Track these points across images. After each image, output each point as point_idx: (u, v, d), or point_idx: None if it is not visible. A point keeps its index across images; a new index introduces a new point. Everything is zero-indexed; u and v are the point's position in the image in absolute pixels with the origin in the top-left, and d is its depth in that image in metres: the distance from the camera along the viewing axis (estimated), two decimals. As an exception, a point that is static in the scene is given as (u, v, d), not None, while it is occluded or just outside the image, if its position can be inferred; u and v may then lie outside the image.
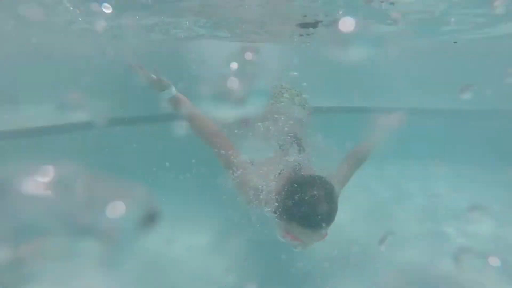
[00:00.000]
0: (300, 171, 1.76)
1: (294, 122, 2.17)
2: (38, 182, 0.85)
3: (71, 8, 2.74)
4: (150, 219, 1.58)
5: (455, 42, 4.62)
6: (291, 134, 2.10)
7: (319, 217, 1.49)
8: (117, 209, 0.95)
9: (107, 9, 2.47)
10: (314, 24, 3.01)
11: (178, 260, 2.77)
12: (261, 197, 1.75)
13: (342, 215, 1.61)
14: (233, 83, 1.71)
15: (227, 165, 1.81)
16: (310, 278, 2.42)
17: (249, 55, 1.85)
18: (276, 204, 1.61)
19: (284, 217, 1.56)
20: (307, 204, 1.48)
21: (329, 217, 1.53)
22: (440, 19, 3.43)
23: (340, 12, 2.54)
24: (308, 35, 3.79)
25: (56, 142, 4.80)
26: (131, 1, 2.56)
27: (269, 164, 1.87)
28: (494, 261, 2.73)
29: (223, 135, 1.85)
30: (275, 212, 1.63)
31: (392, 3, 2.55)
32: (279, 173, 1.79)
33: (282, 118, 2.12)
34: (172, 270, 2.64)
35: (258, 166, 1.87)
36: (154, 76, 1.84)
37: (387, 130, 2.16)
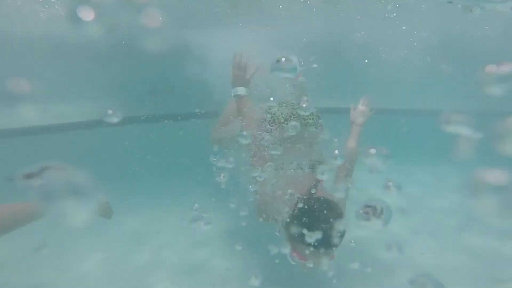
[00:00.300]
0: (313, 194, 1.79)
1: (309, 146, 2.15)
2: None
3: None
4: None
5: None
6: (307, 159, 2.08)
7: (329, 240, 1.53)
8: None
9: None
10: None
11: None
12: (274, 215, 1.81)
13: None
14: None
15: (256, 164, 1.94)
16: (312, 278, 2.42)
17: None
18: (288, 222, 1.65)
19: (296, 236, 1.58)
20: (318, 227, 1.52)
21: (338, 240, 1.57)
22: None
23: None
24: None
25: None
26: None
27: (287, 183, 1.89)
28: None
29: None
30: (286, 230, 1.67)
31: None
32: (293, 194, 1.81)
33: (297, 146, 2.11)
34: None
35: (277, 185, 1.91)
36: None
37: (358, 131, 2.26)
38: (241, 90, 2.13)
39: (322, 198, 1.68)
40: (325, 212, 1.57)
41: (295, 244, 1.63)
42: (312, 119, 2.19)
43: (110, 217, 2.07)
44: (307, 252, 1.56)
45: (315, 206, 1.61)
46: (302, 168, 1.98)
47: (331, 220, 1.54)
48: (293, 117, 2.13)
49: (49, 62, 5.17)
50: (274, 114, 2.13)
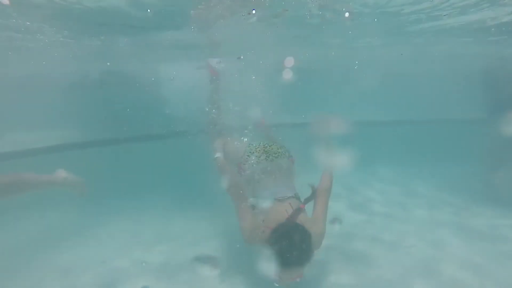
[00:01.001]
0: (288, 220, 2.16)
1: (284, 174, 2.60)
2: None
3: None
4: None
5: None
6: (284, 187, 2.51)
7: (295, 259, 1.92)
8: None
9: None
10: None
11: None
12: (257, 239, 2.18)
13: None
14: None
15: (240, 215, 2.32)
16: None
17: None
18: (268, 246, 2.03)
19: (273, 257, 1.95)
20: (287, 249, 1.91)
21: (304, 259, 1.96)
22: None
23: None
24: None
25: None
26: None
27: (268, 212, 2.31)
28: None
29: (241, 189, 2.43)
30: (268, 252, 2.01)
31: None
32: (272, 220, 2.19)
33: (274, 176, 2.54)
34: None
35: (259, 213, 2.33)
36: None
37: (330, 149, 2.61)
38: (218, 154, 2.72)
39: (294, 224, 2.08)
40: (296, 235, 1.96)
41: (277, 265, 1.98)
42: (283, 151, 2.73)
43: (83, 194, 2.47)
44: (280, 268, 1.93)
45: (288, 231, 2.01)
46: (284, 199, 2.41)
47: (299, 241, 1.94)
48: (267, 152, 2.66)
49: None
50: (255, 148, 2.74)
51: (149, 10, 3.39)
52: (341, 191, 5.03)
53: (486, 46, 6.06)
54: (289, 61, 4.68)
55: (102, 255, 3.30)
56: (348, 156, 2.52)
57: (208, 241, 3.53)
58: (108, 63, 6.47)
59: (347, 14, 3.98)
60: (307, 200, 2.39)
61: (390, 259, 3.01)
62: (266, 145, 2.76)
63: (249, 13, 3.48)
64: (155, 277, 2.90)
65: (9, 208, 3.91)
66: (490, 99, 6.26)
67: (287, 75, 4.84)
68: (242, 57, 5.32)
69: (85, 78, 7.10)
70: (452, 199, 4.61)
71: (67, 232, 3.87)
